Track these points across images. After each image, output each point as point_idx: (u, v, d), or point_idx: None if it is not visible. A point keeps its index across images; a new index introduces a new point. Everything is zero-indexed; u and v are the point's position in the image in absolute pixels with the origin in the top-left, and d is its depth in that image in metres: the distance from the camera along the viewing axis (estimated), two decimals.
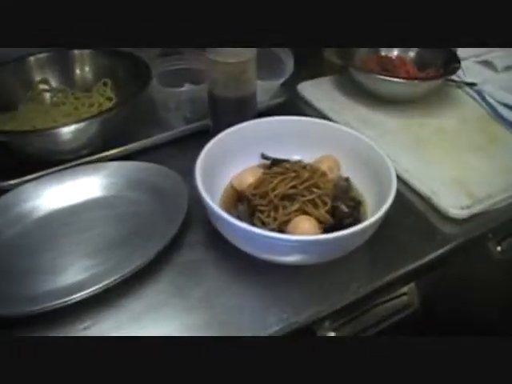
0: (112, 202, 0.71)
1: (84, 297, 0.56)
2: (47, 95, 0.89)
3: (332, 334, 0.63)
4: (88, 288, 0.56)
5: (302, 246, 0.56)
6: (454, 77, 0.99)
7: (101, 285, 0.56)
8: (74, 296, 0.55)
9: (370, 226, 0.56)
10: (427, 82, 0.93)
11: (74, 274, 0.61)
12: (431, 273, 0.69)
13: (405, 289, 0.70)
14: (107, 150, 0.78)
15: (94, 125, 0.74)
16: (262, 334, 0.56)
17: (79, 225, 0.68)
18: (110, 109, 0.79)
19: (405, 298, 0.71)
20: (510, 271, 0.88)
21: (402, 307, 0.71)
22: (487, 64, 1.09)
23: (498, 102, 0.94)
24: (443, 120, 0.92)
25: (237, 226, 0.55)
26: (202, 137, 0.71)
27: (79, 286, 0.57)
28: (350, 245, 0.59)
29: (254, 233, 0.55)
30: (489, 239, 0.77)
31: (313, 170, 0.66)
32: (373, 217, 0.56)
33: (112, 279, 0.57)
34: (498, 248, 0.80)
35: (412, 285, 0.71)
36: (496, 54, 1.10)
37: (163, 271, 0.62)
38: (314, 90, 0.99)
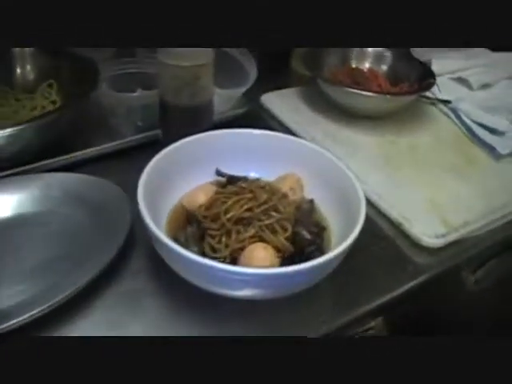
0: (46, 218, 0.64)
1: (7, 330, 0.49)
2: None
3: None
4: (14, 318, 0.50)
5: (257, 281, 0.49)
6: (427, 93, 0.96)
7: (25, 316, 0.50)
8: None
9: (335, 257, 0.50)
10: (400, 97, 0.90)
11: None
12: (401, 306, 0.64)
13: (371, 323, 0.65)
14: (47, 158, 0.72)
15: (34, 130, 0.68)
16: None
17: (9, 243, 0.61)
18: (51, 112, 0.73)
19: (371, 332, 0.65)
20: (486, 303, 0.84)
21: None
22: (462, 81, 1.05)
23: (473, 121, 0.91)
24: (416, 138, 0.89)
25: (180, 255, 0.48)
26: (153, 148, 0.65)
27: (4, 316, 0.50)
28: (311, 278, 0.52)
29: (199, 263, 0.47)
30: (463, 268, 0.73)
31: (272, 191, 0.60)
32: (338, 247, 0.50)
33: (38, 309, 0.51)
34: (472, 278, 0.76)
35: (379, 318, 0.65)
36: (471, 72, 1.07)
37: (98, 302, 0.55)
38: (278, 102, 0.95)
